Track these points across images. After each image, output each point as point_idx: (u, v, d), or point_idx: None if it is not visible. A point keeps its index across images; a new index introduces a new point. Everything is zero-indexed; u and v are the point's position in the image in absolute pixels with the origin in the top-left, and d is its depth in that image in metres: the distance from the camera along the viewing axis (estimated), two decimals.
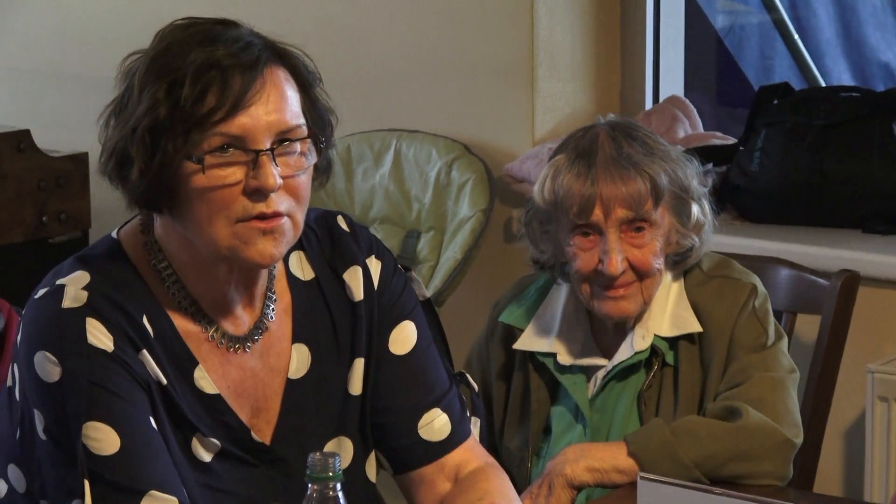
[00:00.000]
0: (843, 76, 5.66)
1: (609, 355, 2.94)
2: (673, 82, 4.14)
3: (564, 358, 2.95)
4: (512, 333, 3.02)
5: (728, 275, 2.97)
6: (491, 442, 3.01)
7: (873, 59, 5.91)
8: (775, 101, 3.84)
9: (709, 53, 4.38)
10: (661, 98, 4.12)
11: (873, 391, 3.48)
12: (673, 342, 2.91)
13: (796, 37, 4.98)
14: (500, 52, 3.95)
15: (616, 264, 2.82)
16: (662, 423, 2.82)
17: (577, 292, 2.93)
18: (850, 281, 3.18)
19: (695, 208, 2.92)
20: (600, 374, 2.93)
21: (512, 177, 3.90)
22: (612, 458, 2.75)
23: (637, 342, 2.89)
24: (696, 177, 2.95)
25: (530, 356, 2.99)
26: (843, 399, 3.19)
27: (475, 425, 2.57)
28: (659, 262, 2.88)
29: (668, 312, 2.90)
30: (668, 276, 2.94)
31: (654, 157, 2.90)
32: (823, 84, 5.14)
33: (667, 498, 1.88)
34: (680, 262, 2.94)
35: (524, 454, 2.95)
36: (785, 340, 2.96)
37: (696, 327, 2.89)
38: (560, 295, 3.02)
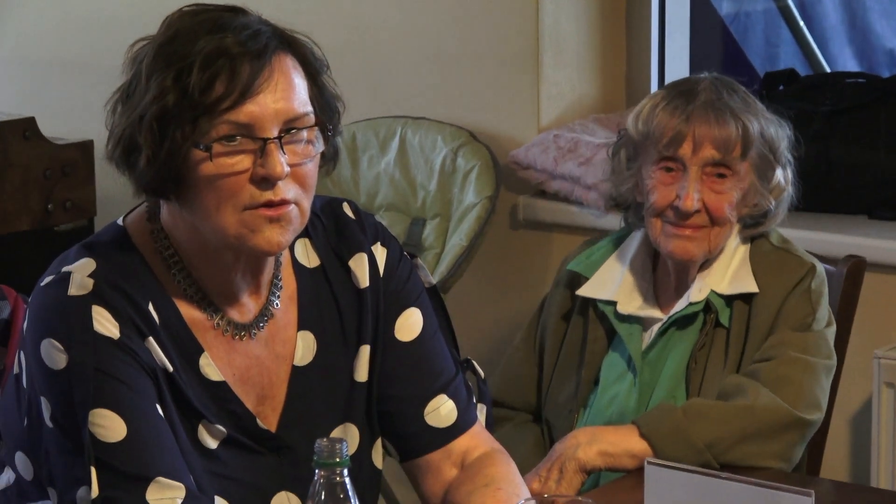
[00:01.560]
0: (849, 63, 5.65)
1: (667, 311, 2.96)
2: (678, 69, 4.14)
3: (624, 307, 2.98)
4: (577, 282, 3.04)
5: (792, 251, 2.99)
6: (535, 396, 3.08)
7: (879, 46, 5.90)
8: (780, 88, 3.84)
9: (714, 40, 4.37)
10: (662, 84, 4.11)
11: (880, 377, 3.48)
12: (728, 303, 2.92)
13: (802, 24, 4.98)
14: (506, 39, 3.95)
15: (693, 201, 2.86)
16: (673, 405, 2.84)
17: (648, 228, 2.97)
18: (857, 267, 3.18)
19: (779, 172, 2.96)
20: (656, 327, 2.96)
21: (517, 163, 3.91)
22: (624, 441, 2.76)
23: (694, 294, 2.92)
24: (786, 140, 2.97)
25: (592, 305, 3.01)
26: (849, 385, 3.20)
27: (481, 412, 2.58)
28: (732, 214, 2.91)
29: (730, 272, 2.93)
30: (736, 239, 2.97)
31: (751, 110, 2.93)
32: (829, 71, 5.13)
33: (674, 483, 1.88)
34: (752, 226, 2.97)
35: (572, 405, 2.96)
36: (833, 329, 2.97)
37: (753, 287, 2.92)
38: (629, 249, 3.05)
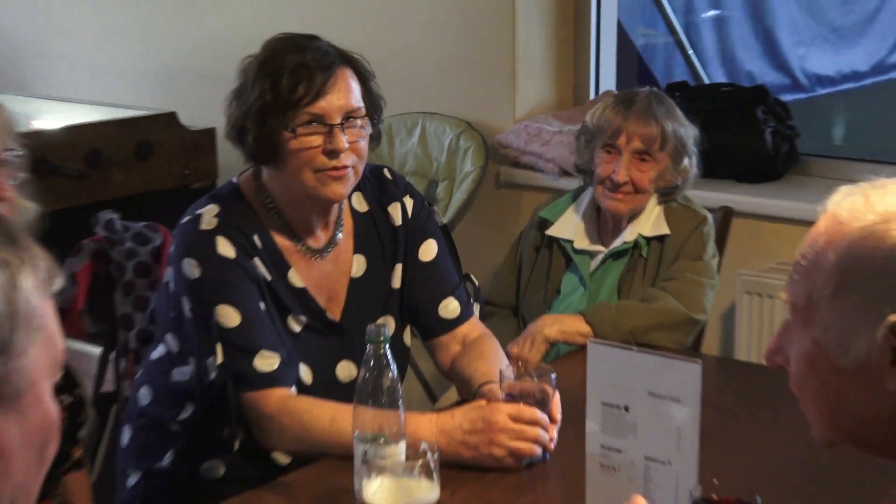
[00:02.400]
0: (721, 77, 5.67)
1: (607, 246, 2.94)
2: (608, 82, 4.11)
3: (578, 244, 2.96)
4: (545, 224, 3.01)
5: (692, 206, 2.97)
6: (514, 298, 3.07)
7: (742, 66, 5.92)
8: (677, 94, 3.84)
9: (632, 62, 4.35)
10: (600, 92, 4.10)
11: (741, 288, 3.48)
12: (648, 242, 2.91)
13: (690, 52, 4.96)
14: (493, 59, 3.93)
15: (623, 176, 2.84)
16: (609, 304, 2.85)
17: (594, 191, 2.93)
18: (727, 214, 3.15)
19: (686, 160, 2.92)
20: (599, 257, 2.94)
21: (500, 144, 3.84)
22: (576, 325, 2.77)
23: (627, 236, 2.91)
24: (692, 139, 2.95)
25: (556, 241, 2.99)
26: (721, 294, 3.19)
27: (476, 308, 2.60)
28: (651, 186, 2.88)
29: (650, 222, 2.91)
30: (654, 200, 2.93)
31: (671, 117, 2.91)
32: (707, 82, 5.11)
33: (607, 355, 1.88)
34: (665, 194, 2.94)
35: (541, 307, 2.94)
36: (717, 259, 2.97)
37: (666, 230, 2.90)
38: (583, 203, 3.00)
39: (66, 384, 2.27)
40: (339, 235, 2.42)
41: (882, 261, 1.27)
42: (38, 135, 4.13)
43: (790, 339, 1.39)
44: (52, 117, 4.44)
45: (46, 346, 1.07)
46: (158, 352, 2.42)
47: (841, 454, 1.44)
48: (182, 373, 2.35)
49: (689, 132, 2.96)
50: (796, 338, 1.38)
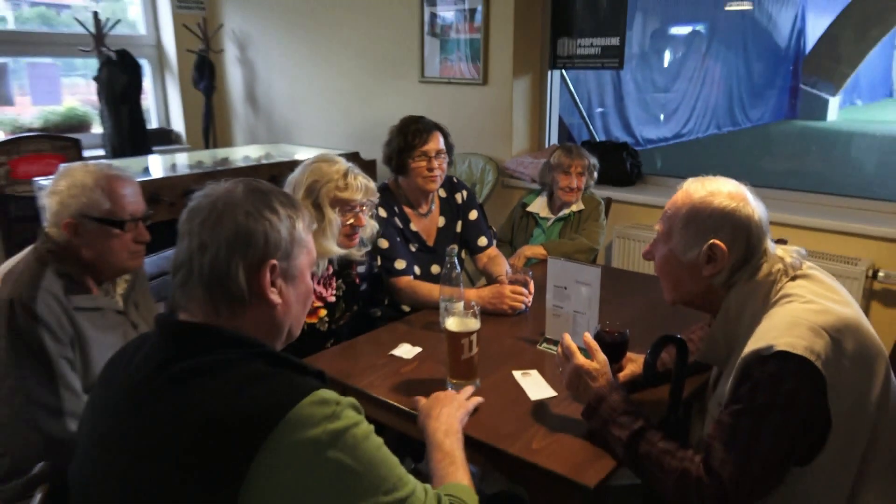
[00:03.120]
0: (605, 136, 5.55)
1: (556, 215, 2.82)
2: (553, 139, 4.03)
3: (542, 214, 2.84)
4: (525, 205, 2.90)
5: (595, 196, 2.84)
6: (510, 238, 2.93)
7: (613, 133, 5.77)
8: (585, 145, 3.75)
9: (564, 131, 4.22)
10: (549, 144, 4.00)
11: (616, 234, 3.40)
12: (576, 214, 2.79)
13: (591, 128, 4.80)
14: (502, 129, 3.83)
15: (573, 184, 2.74)
16: (555, 240, 2.75)
17: (558, 192, 2.79)
18: (609, 200, 3.07)
19: (594, 174, 2.82)
20: (551, 220, 2.82)
21: (505, 167, 3.77)
22: (540, 250, 2.68)
23: (565, 211, 2.79)
24: (595, 164, 2.84)
25: (530, 213, 2.87)
26: (606, 237, 3.13)
27: (494, 241, 2.54)
28: (581, 188, 2.78)
29: (579, 204, 2.79)
30: (580, 195, 2.81)
31: (589, 156, 2.80)
32: (598, 139, 4.99)
33: (556, 264, 1.83)
34: (584, 191, 2.81)
35: (523, 243, 2.82)
36: (605, 221, 2.83)
37: (582, 207, 2.79)
38: (543, 197, 2.88)
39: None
40: (433, 207, 2.36)
41: (709, 213, 1.27)
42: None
43: (656, 248, 1.36)
44: (301, 153, 4.35)
45: (307, 255, 1.04)
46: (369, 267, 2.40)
47: (675, 309, 1.40)
48: (363, 268, 2.32)
49: (595, 162, 2.85)
50: (660, 247, 1.35)
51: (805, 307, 1.17)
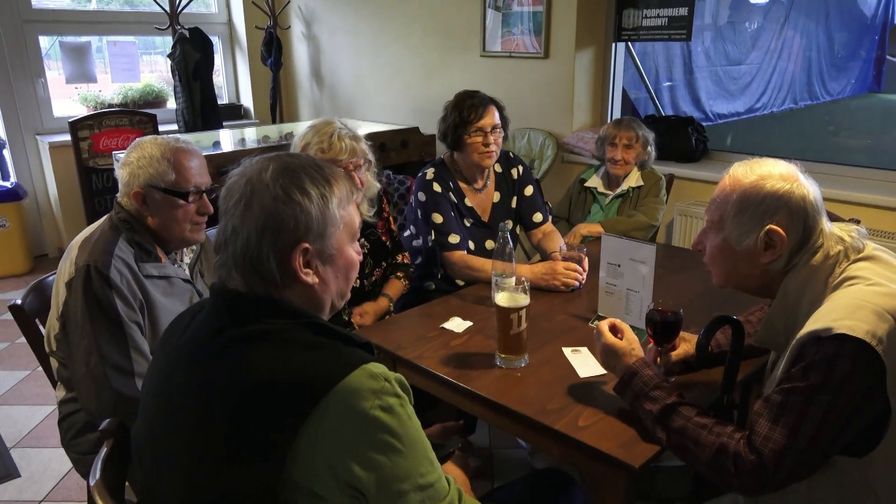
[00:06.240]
0: (672, 111, 5.35)
1: (613, 191, 2.76)
2: (616, 115, 3.90)
3: (600, 190, 2.79)
4: (583, 181, 2.84)
5: (654, 171, 2.76)
6: (567, 214, 2.88)
7: (681, 108, 5.54)
8: (650, 120, 3.61)
9: (627, 105, 4.07)
10: (612, 119, 3.89)
11: (677, 212, 3.30)
12: (634, 191, 2.72)
13: (657, 103, 4.61)
14: (563, 104, 3.74)
15: (620, 156, 2.68)
16: (612, 217, 2.69)
17: (607, 164, 2.74)
18: (671, 177, 2.98)
19: (650, 148, 2.73)
20: (610, 196, 2.76)
21: (565, 142, 3.69)
22: (596, 227, 2.63)
23: (624, 187, 2.72)
24: (651, 138, 2.74)
25: (588, 188, 2.82)
26: (667, 214, 3.01)
27: (549, 217, 2.49)
28: (633, 161, 2.70)
29: (634, 179, 2.72)
30: (636, 169, 2.73)
31: (641, 128, 2.72)
32: (663, 114, 4.81)
33: (611, 241, 1.79)
34: (641, 165, 2.74)
35: (580, 219, 2.78)
36: (665, 197, 2.75)
37: (641, 183, 2.72)
38: (600, 172, 2.82)
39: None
40: (488, 182, 2.34)
41: (763, 197, 1.21)
42: None
43: (706, 237, 1.31)
44: (364, 128, 4.40)
45: (346, 229, 1.01)
46: (408, 232, 2.39)
47: (733, 290, 1.33)
48: (418, 242, 2.32)
49: (649, 135, 2.74)
50: (711, 236, 1.29)
51: (871, 289, 1.10)
